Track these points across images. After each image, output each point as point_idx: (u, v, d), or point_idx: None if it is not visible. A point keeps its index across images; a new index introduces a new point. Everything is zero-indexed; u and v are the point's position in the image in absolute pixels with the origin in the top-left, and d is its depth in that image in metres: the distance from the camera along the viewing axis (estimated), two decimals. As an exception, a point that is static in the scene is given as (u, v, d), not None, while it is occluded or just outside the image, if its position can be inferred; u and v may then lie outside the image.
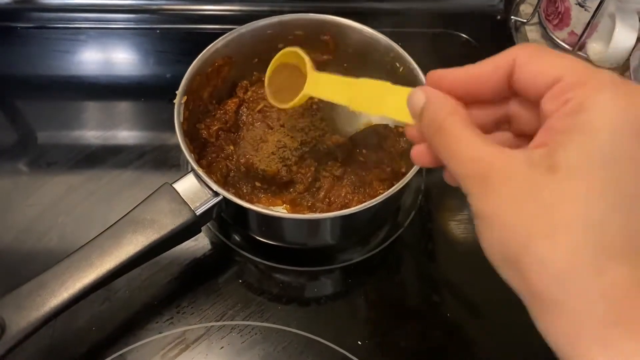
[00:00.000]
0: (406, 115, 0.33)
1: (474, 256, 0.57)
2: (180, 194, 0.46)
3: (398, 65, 0.55)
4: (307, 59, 0.47)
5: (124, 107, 0.66)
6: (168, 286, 0.53)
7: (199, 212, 0.46)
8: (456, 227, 0.58)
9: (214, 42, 0.54)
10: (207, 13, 0.74)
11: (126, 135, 0.63)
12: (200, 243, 0.55)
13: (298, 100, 0.48)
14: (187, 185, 0.47)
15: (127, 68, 0.70)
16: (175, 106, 0.49)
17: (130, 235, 0.44)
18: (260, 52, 0.59)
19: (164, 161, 0.61)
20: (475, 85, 0.30)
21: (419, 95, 0.31)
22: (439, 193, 0.61)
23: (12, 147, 0.63)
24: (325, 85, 0.45)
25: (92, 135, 0.63)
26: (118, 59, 0.70)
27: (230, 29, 0.55)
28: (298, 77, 0.49)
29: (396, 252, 0.57)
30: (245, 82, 0.60)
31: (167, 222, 0.44)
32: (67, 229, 0.56)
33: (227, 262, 0.55)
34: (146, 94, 0.67)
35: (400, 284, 0.56)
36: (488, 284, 0.55)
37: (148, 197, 0.46)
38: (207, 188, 0.47)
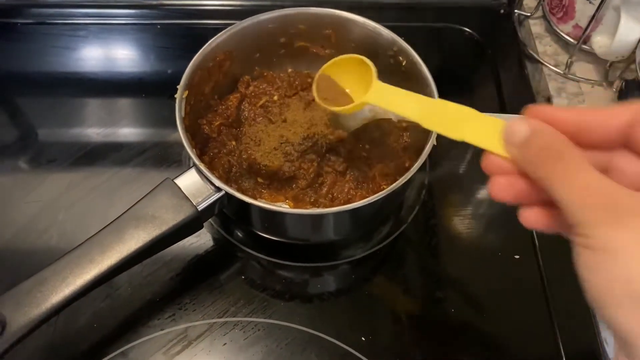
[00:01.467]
0: (492, 143, 0.32)
1: (477, 252, 0.58)
2: (182, 189, 0.45)
3: (401, 59, 0.55)
4: (373, 67, 0.46)
5: (124, 103, 0.66)
6: (170, 283, 0.52)
7: (200, 207, 0.45)
8: (460, 223, 0.58)
9: (215, 37, 0.53)
10: (207, 8, 0.73)
11: (127, 132, 0.63)
12: (202, 239, 0.55)
13: (353, 106, 0.47)
14: (188, 181, 0.46)
15: (128, 64, 0.69)
16: (177, 101, 0.49)
17: (131, 230, 0.43)
18: (261, 47, 0.58)
19: (165, 157, 0.60)
20: (586, 129, 0.29)
21: (522, 125, 0.29)
22: (442, 189, 0.60)
23: (12, 144, 0.62)
24: (390, 97, 0.43)
25: (92, 131, 0.63)
26: (118, 54, 0.70)
27: (232, 24, 0.55)
28: (339, 90, 0.49)
29: (400, 248, 0.57)
30: (246, 77, 0.59)
31: (169, 217, 0.44)
32: (67, 226, 0.56)
33: (229, 259, 0.55)
34: (147, 90, 0.66)
35: (403, 279, 0.55)
36: (492, 279, 0.56)
37: (149, 192, 0.45)
38: (209, 183, 0.46)
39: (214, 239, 0.56)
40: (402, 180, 0.46)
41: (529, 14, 0.72)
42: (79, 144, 0.61)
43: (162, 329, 0.49)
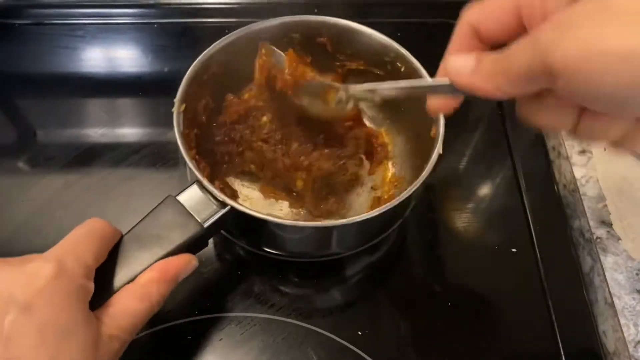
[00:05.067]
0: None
1: (475, 245, 0.57)
2: (185, 206, 0.44)
3: (399, 64, 0.54)
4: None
5: (121, 102, 0.66)
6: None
7: (207, 224, 0.43)
8: (458, 218, 0.58)
9: (208, 48, 0.52)
10: (204, 6, 0.73)
11: (124, 131, 0.63)
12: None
13: None
14: (191, 197, 0.44)
15: (125, 63, 0.69)
16: (174, 115, 0.48)
17: (135, 253, 0.42)
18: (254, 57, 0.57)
19: (162, 155, 0.60)
20: (489, 27, 0.34)
21: (467, 59, 0.31)
22: (440, 183, 0.60)
23: (11, 144, 0.63)
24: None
25: (89, 131, 0.63)
26: (116, 54, 0.70)
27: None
28: None
29: (396, 242, 0.57)
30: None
31: (174, 236, 0.42)
32: (64, 224, 0.56)
33: (225, 254, 0.55)
34: (144, 88, 0.66)
35: (400, 273, 0.55)
36: (489, 273, 0.55)
37: (151, 211, 0.44)
38: (212, 198, 0.44)
39: (210, 235, 0.55)
40: (410, 190, 0.45)
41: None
42: (76, 143, 0.61)
43: (157, 325, 0.49)
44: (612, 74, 0.23)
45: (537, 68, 0.26)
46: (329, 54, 0.57)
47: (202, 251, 0.53)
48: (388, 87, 0.41)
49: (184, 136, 0.48)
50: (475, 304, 0.53)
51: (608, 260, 0.52)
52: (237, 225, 0.49)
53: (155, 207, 0.44)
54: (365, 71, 0.57)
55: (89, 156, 0.60)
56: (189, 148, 0.48)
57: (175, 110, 0.48)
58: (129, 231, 0.43)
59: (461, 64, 0.31)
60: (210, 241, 0.55)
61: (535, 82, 0.28)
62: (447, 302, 0.52)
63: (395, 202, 0.45)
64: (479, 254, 0.56)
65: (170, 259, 0.41)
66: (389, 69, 0.55)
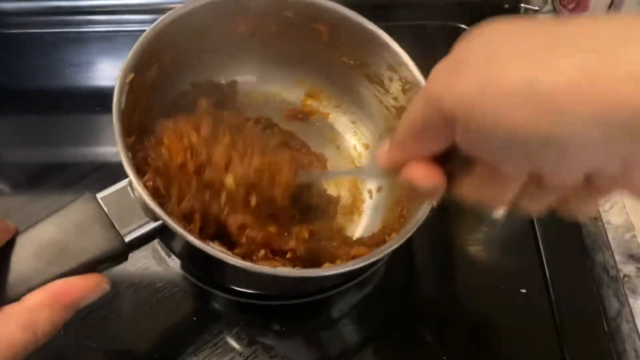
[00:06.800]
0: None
1: (478, 287, 0.48)
2: (107, 210, 0.35)
3: (398, 77, 0.47)
4: None
5: (72, 119, 0.58)
6: (103, 322, 0.44)
7: (128, 238, 0.35)
8: (459, 253, 0.51)
9: (177, 8, 0.43)
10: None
11: (76, 151, 0.56)
12: (139, 264, 0.47)
13: None
14: (117, 199, 0.36)
15: (83, 75, 0.62)
16: (117, 86, 0.38)
17: (29, 262, 0.33)
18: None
19: (117, 177, 0.53)
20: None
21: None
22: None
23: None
24: None
25: (36, 152, 0.56)
26: (72, 66, 0.63)
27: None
28: None
29: (378, 285, 0.49)
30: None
31: (83, 248, 0.34)
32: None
33: (175, 293, 0.47)
34: (101, 103, 0.59)
35: (385, 318, 0.47)
36: (496, 318, 0.47)
37: (61, 210, 0.35)
38: (143, 206, 0.36)
39: (156, 263, 0.48)
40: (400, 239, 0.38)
41: (537, 8, 0.66)
42: (22, 166, 0.55)
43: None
44: (507, 110, 0.22)
45: (433, 114, 0.25)
46: (320, 44, 0.49)
47: (144, 288, 0.46)
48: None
49: (125, 117, 0.38)
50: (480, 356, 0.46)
51: (639, 304, 0.46)
52: (178, 250, 0.41)
53: (67, 205, 0.35)
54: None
55: (36, 180, 0.54)
56: (127, 134, 0.38)
57: (119, 80, 0.38)
58: (27, 230, 0.34)
59: (382, 147, 0.31)
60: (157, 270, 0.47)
61: (437, 132, 0.26)
62: (443, 355, 0.44)
63: (366, 259, 0.38)
64: (482, 297, 0.49)
65: (72, 279, 0.33)
66: (384, 69, 0.47)
